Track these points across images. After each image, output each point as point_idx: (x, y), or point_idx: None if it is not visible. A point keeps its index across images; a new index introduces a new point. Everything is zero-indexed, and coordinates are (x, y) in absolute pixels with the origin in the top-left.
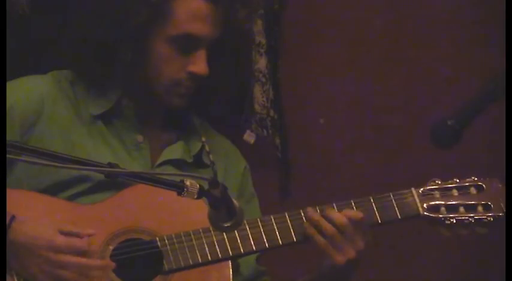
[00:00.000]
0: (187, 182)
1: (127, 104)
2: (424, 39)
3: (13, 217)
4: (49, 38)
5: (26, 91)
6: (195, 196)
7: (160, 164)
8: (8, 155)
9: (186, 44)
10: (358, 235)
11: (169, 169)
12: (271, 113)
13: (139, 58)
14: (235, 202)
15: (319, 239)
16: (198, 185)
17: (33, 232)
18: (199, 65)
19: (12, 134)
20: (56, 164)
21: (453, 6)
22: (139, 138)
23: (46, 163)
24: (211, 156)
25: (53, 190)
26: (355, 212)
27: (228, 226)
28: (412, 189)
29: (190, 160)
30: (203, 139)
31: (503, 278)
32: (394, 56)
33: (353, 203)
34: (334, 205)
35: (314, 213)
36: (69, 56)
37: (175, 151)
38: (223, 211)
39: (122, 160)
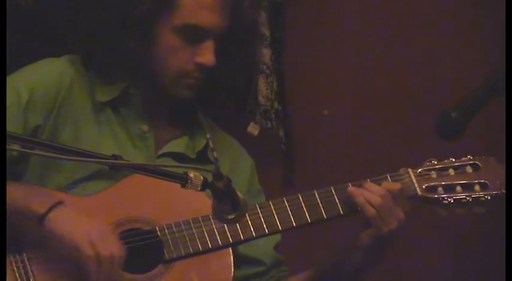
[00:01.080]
0: (191, 174)
1: (134, 93)
2: (430, 30)
3: (55, 205)
4: (54, 27)
5: (45, 73)
6: (199, 188)
7: (162, 156)
8: (10, 147)
9: (193, 34)
10: (398, 206)
11: (170, 162)
12: (275, 105)
13: (146, 48)
14: (239, 194)
15: (369, 208)
16: (202, 177)
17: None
18: (206, 56)
19: (35, 117)
20: (59, 155)
21: None
22: (145, 128)
23: (49, 154)
24: (215, 153)
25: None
26: (393, 184)
27: (232, 218)
28: (409, 169)
29: (193, 156)
30: (208, 136)
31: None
32: (400, 47)
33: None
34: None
35: (355, 187)
36: (76, 44)
37: (178, 144)
38: (227, 203)
39: (126, 148)
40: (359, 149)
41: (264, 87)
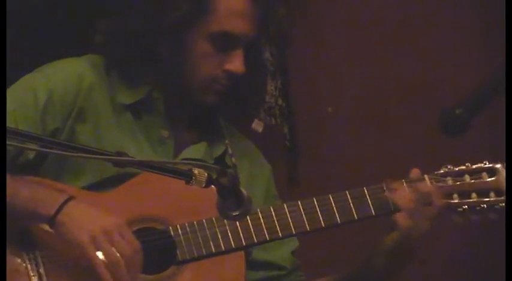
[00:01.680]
0: (196, 171)
1: (158, 97)
2: (434, 27)
3: (63, 204)
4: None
5: (64, 73)
6: (203, 185)
7: (183, 160)
8: (18, 144)
9: (225, 41)
10: (427, 212)
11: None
12: (280, 101)
13: (177, 53)
14: (243, 191)
15: (402, 215)
16: (206, 174)
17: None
18: (235, 63)
19: (54, 119)
20: (64, 152)
21: None
22: (165, 133)
23: (54, 151)
24: (233, 159)
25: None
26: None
27: (236, 215)
28: (425, 176)
29: (211, 162)
30: (226, 142)
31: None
32: (404, 44)
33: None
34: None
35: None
36: (105, 45)
37: (197, 151)
38: (231, 200)
39: (146, 153)
40: (363, 145)
41: (268, 84)
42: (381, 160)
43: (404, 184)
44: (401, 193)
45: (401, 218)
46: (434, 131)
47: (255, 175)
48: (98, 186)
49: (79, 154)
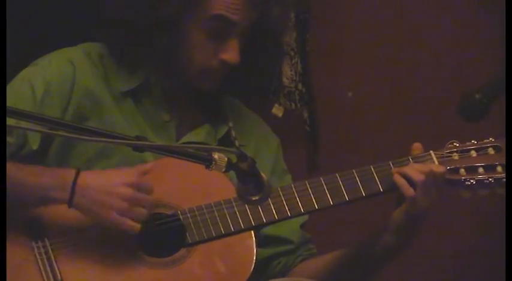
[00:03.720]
0: (216, 156)
1: (155, 82)
2: (459, 8)
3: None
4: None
5: (59, 64)
6: (223, 169)
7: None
8: (35, 129)
9: (220, 28)
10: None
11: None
12: (300, 86)
13: (173, 43)
14: (263, 175)
15: (408, 188)
16: (226, 159)
17: (105, 176)
18: (231, 53)
19: (53, 110)
20: (83, 137)
21: None
22: (166, 117)
23: (72, 135)
24: (237, 142)
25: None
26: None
27: (256, 200)
28: (431, 152)
29: (214, 144)
30: (230, 124)
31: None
32: (425, 27)
33: (372, 168)
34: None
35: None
36: (105, 33)
37: (198, 134)
38: (251, 185)
39: (149, 137)
40: (382, 130)
41: (288, 69)
42: (402, 145)
43: (411, 161)
44: (412, 166)
45: (405, 187)
46: (453, 116)
47: (261, 150)
48: (89, 163)
49: (101, 139)
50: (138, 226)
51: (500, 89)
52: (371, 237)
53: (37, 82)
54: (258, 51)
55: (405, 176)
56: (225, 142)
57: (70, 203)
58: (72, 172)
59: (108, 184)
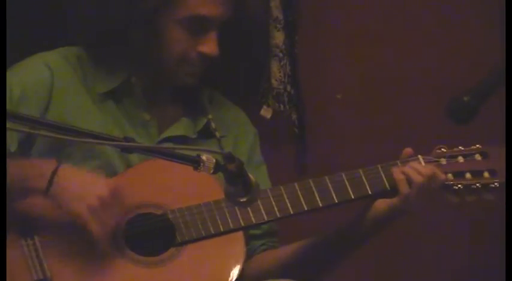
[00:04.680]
0: (204, 157)
1: (135, 82)
2: (443, 13)
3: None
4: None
5: (36, 68)
6: (212, 171)
7: (162, 142)
8: (25, 130)
9: (197, 25)
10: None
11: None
12: (288, 88)
13: (150, 39)
14: (251, 176)
15: (404, 184)
16: (214, 160)
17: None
18: (209, 45)
19: (29, 112)
20: (72, 137)
21: None
22: (146, 116)
23: (61, 136)
24: (217, 133)
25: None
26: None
27: (244, 201)
28: (419, 156)
29: (194, 136)
30: (209, 116)
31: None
32: (412, 30)
33: (361, 172)
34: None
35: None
36: (80, 35)
37: (176, 128)
38: (239, 186)
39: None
40: (371, 133)
41: (277, 71)
42: (390, 148)
43: (399, 164)
44: (416, 165)
45: (403, 184)
46: (443, 119)
47: (238, 142)
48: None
49: (88, 140)
50: (100, 233)
51: (489, 92)
52: (347, 224)
53: (13, 86)
54: (243, 48)
55: (405, 174)
56: (205, 133)
57: (47, 190)
58: (53, 163)
59: (87, 180)
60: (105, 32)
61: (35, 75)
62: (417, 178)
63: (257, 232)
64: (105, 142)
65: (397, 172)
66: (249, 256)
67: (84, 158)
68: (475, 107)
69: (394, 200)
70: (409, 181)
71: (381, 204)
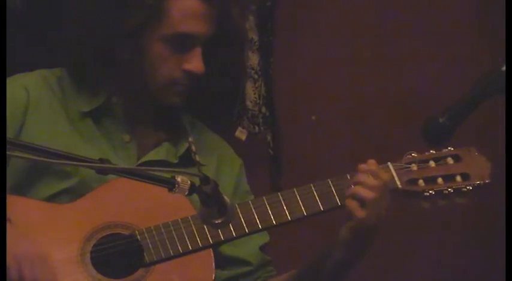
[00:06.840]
0: (179, 179)
1: (117, 102)
2: (418, 37)
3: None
4: (42, 34)
5: (12, 89)
6: (186, 193)
7: (141, 165)
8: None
9: (181, 43)
10: (382, 199)
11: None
12: (263, 109)
13: (135, 58)
14: (226, 198)
15: (358, 210)
16: (189, 182)
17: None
18: (194, 63)
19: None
20: (47, 159)
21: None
22: (126, 138)
23: (34, 157)
24: (197, 156)
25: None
26: (383, 172)
27: (219, 223)
28: (389, 163)
29: (175, 161)
30: (190, 139)
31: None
32: (386, 53)
33: (330, 182)
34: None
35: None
36: (63, 54)
37: (158, 152)
38: (214, 208)
39: (109, 158)
40: (346, 154)
41: (251, 92)
42: None
43: (348, 177)
44: (365, 182)
45: (355, 208)
46: (419, 140)
47: (223, 171)
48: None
49: (61, 161)
50: None
51: (465, 113)
52: (321, 253)
53: None
54: (221, 68)
55: (356, 197)
56: (187, 159)
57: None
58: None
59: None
60: (90, 52)
61: (11, 97)
62: (369, 195)
63: (249, 268)
64: (79, 163)
65: (348, 201)
66: None
67: (60, 177)
68: (450, 129)
69: (351, 223)
70: (362, 202)
71: (343, 230)
